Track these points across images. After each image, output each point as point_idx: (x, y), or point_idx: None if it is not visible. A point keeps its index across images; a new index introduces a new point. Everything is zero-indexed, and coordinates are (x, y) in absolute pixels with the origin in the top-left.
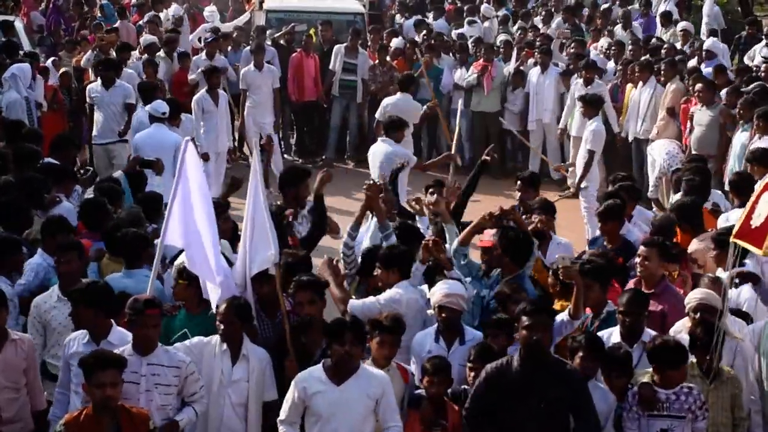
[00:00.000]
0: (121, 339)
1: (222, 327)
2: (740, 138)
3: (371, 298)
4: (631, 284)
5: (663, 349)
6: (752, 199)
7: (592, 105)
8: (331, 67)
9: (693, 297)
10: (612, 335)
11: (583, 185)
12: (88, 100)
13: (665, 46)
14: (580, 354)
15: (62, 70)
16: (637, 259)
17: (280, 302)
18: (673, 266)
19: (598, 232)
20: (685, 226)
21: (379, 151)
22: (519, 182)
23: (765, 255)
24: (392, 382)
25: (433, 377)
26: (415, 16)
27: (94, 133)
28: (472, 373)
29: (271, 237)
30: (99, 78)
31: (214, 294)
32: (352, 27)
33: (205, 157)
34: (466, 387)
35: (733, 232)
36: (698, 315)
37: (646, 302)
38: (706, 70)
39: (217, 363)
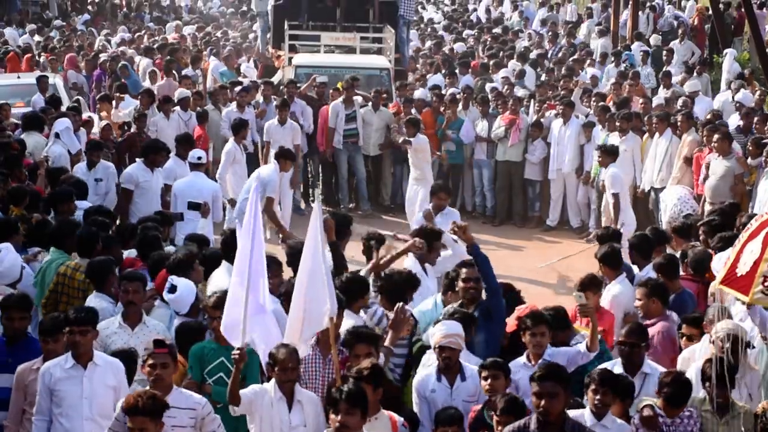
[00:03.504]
0: (104, 359)
1: (282, 375)
2: (765, 185)
3: None
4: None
5: (674, 383)
6: (737, 247)
7: (609, 154)
8: (331, 125)
9: (722, 327)
10: (614, 367)
11: (619, 225)
12: (128, 185)
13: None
14: (592, 388)
15: (103, 123)
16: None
17: (333, 354)
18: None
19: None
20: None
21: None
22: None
23: (752, 303)
24: (380, 430)
25: (447, 428)
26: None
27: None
28: (500, 427)
29: (328, 291)
30: (144, 160)
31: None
32: (347, 81)
33: (232, 202)
34: None
35: (719, 278)
36: (729, 345)
37: (645, 334)
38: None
39: (275, 412)
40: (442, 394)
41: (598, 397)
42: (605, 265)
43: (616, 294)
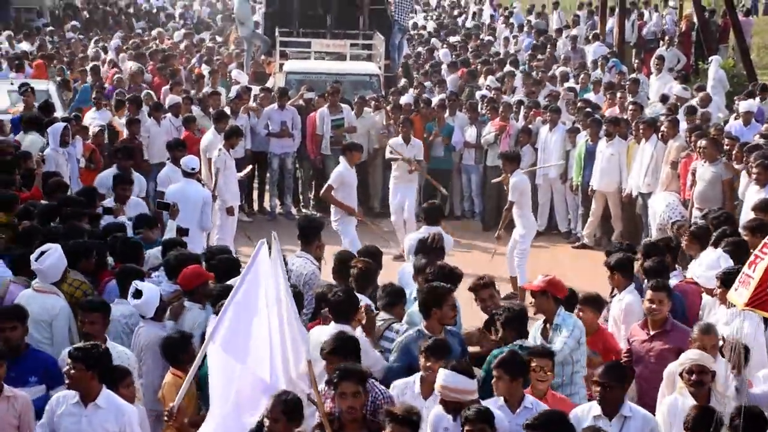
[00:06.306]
0: (108, 401)
1: (268, 424)
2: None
3: None
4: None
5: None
6: (764, 266)
7: (511, 161)
8: (318, 131)
9: (687, 357)
10: (592, 408)
11: (521, 233)
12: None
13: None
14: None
15: (96, 129)
16: (647, 303)
17: (317, 398)
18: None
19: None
20: None
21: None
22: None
23: None
24: None
25: None
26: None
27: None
28: None
29: (300, 332)
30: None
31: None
32: (331, 86)
33: (230, 211)
34: None
35: (743, 299)
36: (693, 377)
37: (624, 375)
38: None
39: None
40: None
41: None
42: (619, 272)
43: (630, 303)
